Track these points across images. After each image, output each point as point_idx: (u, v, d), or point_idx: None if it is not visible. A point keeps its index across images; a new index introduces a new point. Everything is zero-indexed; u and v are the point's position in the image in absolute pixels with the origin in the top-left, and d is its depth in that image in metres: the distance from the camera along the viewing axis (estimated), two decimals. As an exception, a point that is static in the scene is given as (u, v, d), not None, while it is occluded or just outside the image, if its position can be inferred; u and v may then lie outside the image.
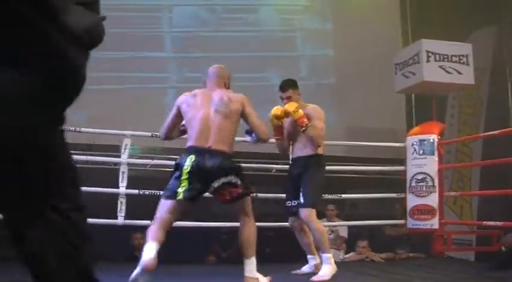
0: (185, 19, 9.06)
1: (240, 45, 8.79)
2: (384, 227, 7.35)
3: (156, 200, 4.23)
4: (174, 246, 7.27)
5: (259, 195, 6.00)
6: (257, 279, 3.95)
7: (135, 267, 3.69)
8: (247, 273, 3.93)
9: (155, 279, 4.36)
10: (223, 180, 3.90)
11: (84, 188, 1.86)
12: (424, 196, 6.19)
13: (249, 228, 4.02)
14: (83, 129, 5.80)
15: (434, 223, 6.11)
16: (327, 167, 6.84)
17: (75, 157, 6.12)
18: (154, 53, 8.73)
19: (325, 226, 7.07)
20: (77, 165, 1.84)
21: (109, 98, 7.93)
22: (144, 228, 6.38)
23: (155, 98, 8.38)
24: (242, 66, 7.99)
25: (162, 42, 8.92)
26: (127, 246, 6.70)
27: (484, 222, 6.14)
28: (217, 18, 9.18)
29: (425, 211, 6.16)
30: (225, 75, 4.35)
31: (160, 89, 8.68)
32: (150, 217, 5.57)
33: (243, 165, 6.68)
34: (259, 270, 4.01)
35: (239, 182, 3.95)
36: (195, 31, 8.92)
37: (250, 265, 3.93)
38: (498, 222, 5.56)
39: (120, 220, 5.57)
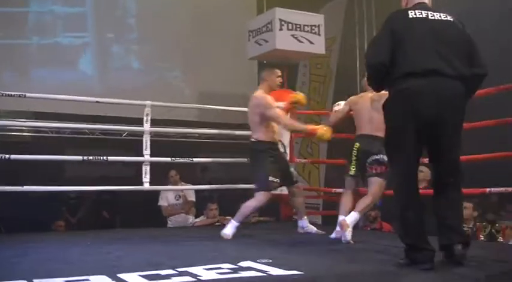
0: None
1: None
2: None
3: None
4: (18, 213, 7.02)
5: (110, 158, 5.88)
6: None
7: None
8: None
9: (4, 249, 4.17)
10: None
11: None
12: (274, 162, 6.26)
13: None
14: None
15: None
16: (179, 130, 6.88)
17: None
18: None
19: (171, 190, 7.11)
20: None
21: None
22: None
23: None
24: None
25: None
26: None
27: (334, 189, 6.40)
28: None
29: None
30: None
31: None
32: None
33: (92, 127, 6.55)
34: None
35: None
36: None
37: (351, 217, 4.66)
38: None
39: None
